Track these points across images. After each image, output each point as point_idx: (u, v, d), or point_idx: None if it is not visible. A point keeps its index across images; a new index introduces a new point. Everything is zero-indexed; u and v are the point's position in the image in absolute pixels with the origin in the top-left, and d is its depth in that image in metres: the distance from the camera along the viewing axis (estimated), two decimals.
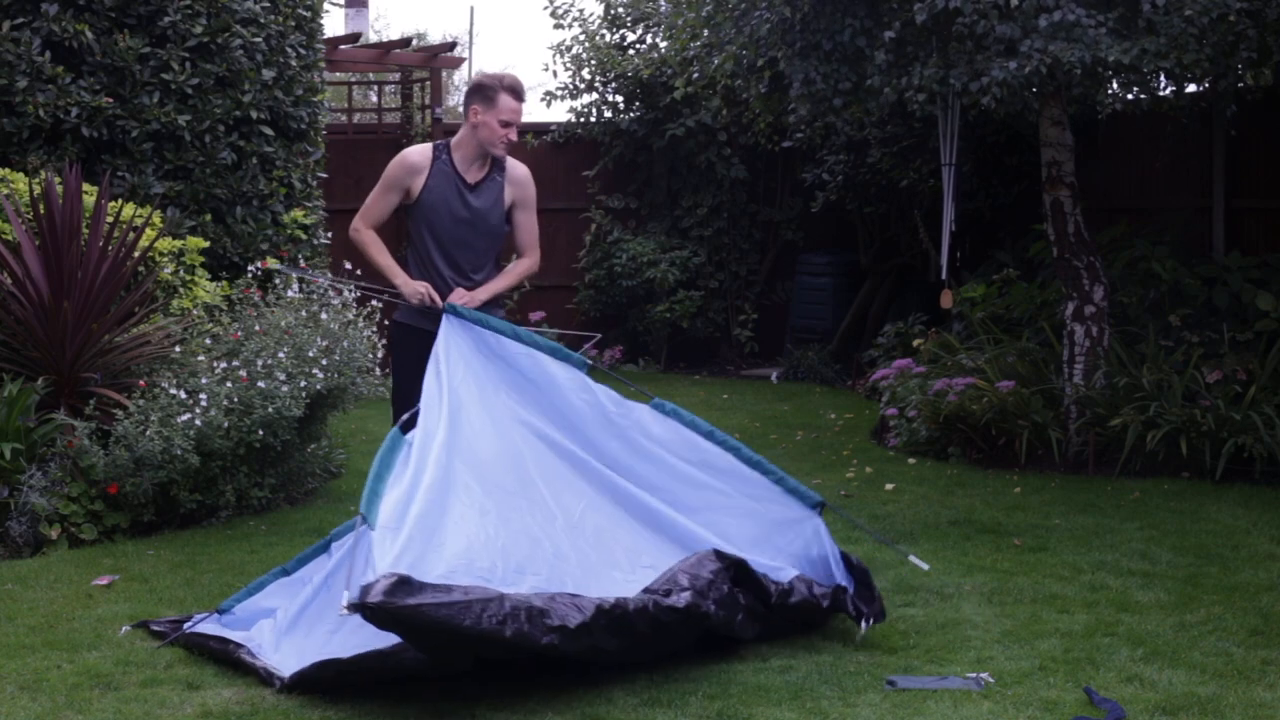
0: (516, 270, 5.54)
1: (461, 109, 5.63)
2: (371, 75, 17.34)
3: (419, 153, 5.42)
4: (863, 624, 4.83)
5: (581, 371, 5.06)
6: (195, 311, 7.10)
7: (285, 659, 4.49)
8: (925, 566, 5.29)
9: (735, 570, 4.67)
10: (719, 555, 4.67)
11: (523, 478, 4.74)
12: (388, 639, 4.19)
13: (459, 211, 5.34)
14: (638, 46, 13.14)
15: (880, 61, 7.38)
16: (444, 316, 5.01)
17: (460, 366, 4.88)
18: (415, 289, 5.25)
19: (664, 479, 4.96)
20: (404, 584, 3.92)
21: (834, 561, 4.95)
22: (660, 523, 4.86)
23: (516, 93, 5.33)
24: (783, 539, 4.97)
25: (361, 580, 3.95)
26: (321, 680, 4.32)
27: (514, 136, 5.35)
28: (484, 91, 5.31)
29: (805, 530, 4.98)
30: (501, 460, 4.73)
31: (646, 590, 4.45)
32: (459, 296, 5.21)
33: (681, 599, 4.40)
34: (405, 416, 4.61)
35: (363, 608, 3.87)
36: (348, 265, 7.71)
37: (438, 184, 5.34)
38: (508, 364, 5.00)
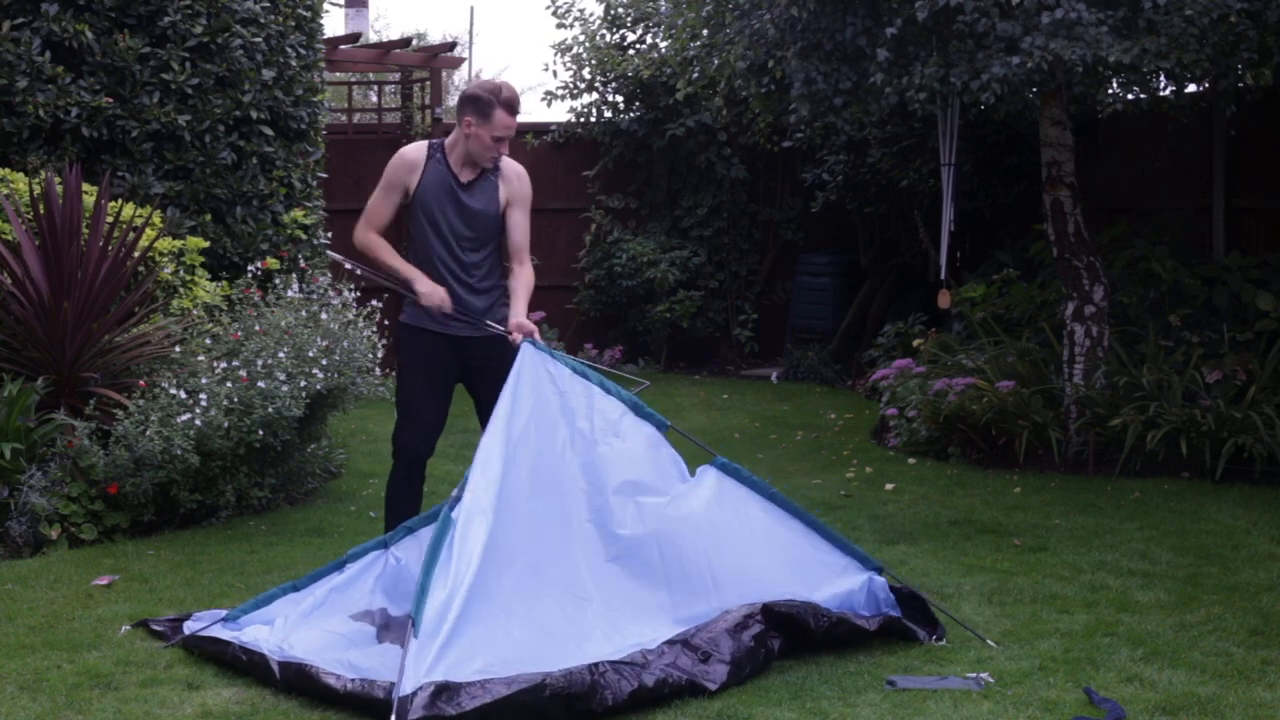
0: (525, 285, 5.40)
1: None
2: (371, 75, 17.34)
3: (415, 149, 5.39)
4: (932, 639, 4.86)
5: (661, 432, 5.01)
6: (195, 311, 7.09)
7: (285, 645, 4.51)
8: (996, 645, 4.89)
9: (779, 622, 4.63)
10: (767, 614, 4.61)
11: (567, 557, 4.68)
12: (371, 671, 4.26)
13: (452, 211, 5.31)
14: (638, 46, 13.14)
15: (881, 59, 7.37)
16: (523, 349, 4.94)
17: (524, 414, 4.79)
18: (436, 296, 5.21)
19: (727, 542, 4.88)
20: (443, 690, 3.95)
21: (883, 602, 4.92)
22: (713, 583, 4.80)
23: (512, 108, 5.22)
24: (838, 589, 4.88)
25: (398, 691, 3.94)
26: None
27: (505, 150, 5.28)
28: (479, 105, 5.21)
29: (864, 585, 4.91)
30: (546, 536, 4.66)
31: (686, 645, 4.43)
32: (522, 330, 5.14)
33: (715, 676, 4.36)
34: (455, 493, 4.50)
35: None
36: (348, 265, 7.70)
37: (432, 182, 5.31)
38: (579, 410, 4.91)
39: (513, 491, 4.63)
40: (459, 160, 5.33)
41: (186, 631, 4.84)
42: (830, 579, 4.88)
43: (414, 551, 4.86)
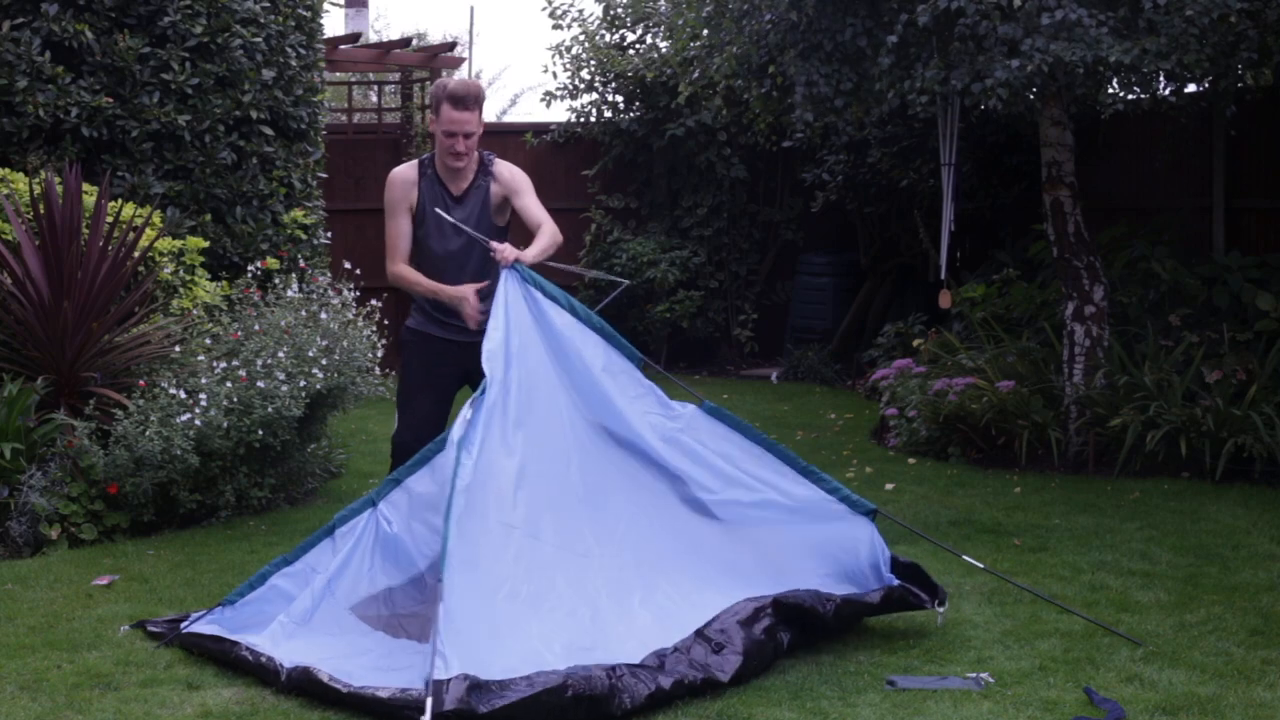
0: (545, 237, 5.26)
1: None
2: (371, 75, 17.34)
3: (406, 169, 5.41)
4: (937, 608, 4.92)
5: (635, 365, 4.97)
6: (195, 311, 7.10)
7: (291, 653, 4.47)
8: (980, 565, 5.34)
9: (789, 614, 4.64)
10: (777, 607, 4.60)
11: (574, 516, 4.67)
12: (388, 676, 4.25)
13: (446, 225, 5.32)
14: (637, 47, 13.14)
15: (886, 67, 7.36)
16: (505, 272, 4.88)
17: (517, 342, 4.75)
18: (467, 305, 5.18)
19: (718, 483, 4.89)
20: (475, 688, 3.93)
21: (884, 564, 4.95)
22: (719, 551, 4.82)
23: (458, 100, 5.16)
24: (838, 549, 4.92)
25: (433, 674, 3.92)
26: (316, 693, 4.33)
27: (461, 147, 5.21)
28: (433, 102, 5.25)
29: (859, 538, 4.94)
30: (552, 489, 4.64)
31: (700, 635, 4.45)
32: (510, 253, 4.99)
33: (728, 666, 4.39)
34: (458, 431, 4.48)
35: (440, 717, 3.86)
36: (347, 265, 7.71)
37: (428, 197, 5.33)
38: (557, 339, 4.86)
39: (520, 461, 4.60)
40: (446, 171, 5.34)
41: (185, 630, 4.82)
42: (833, 550, 4.91)
43: (403, 506, 4.80)
